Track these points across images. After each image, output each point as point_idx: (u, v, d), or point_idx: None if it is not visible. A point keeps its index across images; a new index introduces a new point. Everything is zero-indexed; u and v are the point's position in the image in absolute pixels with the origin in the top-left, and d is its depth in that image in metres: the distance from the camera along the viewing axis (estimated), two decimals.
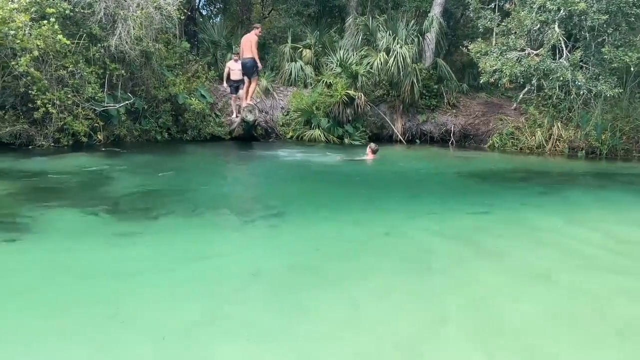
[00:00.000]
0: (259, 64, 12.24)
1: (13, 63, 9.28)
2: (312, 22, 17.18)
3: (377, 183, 8.87)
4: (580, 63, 12.32)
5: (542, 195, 8.13)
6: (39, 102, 9.62)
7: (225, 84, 13.01)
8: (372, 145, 11.01)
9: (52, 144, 10.04)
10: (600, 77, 12.25)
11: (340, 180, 9.00)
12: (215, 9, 20.90)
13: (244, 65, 12.14)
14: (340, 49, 14.97)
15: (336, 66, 14.52)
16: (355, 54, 14.79)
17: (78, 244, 4.60)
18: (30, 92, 9.62)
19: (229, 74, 12.87)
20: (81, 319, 3.13)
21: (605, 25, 12.02)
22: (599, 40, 12.47)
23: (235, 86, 12.86)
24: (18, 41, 9.21)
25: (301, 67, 15.40)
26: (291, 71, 15.40)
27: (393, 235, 5.32)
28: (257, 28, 12.42)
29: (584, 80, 11.92)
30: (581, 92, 12.42)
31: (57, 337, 2.93)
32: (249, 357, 2.83)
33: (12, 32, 9.10)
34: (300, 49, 15.74)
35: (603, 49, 12.06)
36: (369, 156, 10.78)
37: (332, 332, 3.12)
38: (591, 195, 8.43)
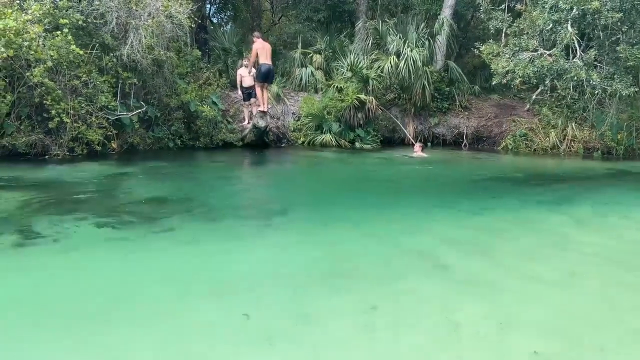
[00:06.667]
0: None
1: (27, 74, 9.39)
2: (322, 28, 17.19)
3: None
4: (595, 62, 12.17)
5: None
6: (53, 111, 9.71)
7: (240, 92, 13.05)
8: (419, 143, 13.39)
9: (67, 153, 10.11)
10: (615, 76, 12.09)
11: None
12: (225, 17, 21.01)
13: (270, 71, 12.28)
14: (350, 54, 14.96)
15: (347, 71, 14.51)
16: (365, 58, 14.77)
17: (100, 253, 4.62)
18: (44, 102, 9.71)
19: (241, 82, 12.91)
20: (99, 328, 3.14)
21: (619, 24, 11.87)
22: (613, 38, 12.31)
23: (248, 93, 12.89)
24: (32, 52, 9.32)
25: (312, 73, 15.42)
26: (302, 77, 15.42)
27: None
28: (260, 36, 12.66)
29: (598, 80, 11.76)
30: (596, 92, 12.26)
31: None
32: None
33: (26, 43, 9.20)
34: (311, 55, 15.76)
35: (618, 48, 11.90)
36: (417, 152, 12.55)
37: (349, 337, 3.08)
38: None
